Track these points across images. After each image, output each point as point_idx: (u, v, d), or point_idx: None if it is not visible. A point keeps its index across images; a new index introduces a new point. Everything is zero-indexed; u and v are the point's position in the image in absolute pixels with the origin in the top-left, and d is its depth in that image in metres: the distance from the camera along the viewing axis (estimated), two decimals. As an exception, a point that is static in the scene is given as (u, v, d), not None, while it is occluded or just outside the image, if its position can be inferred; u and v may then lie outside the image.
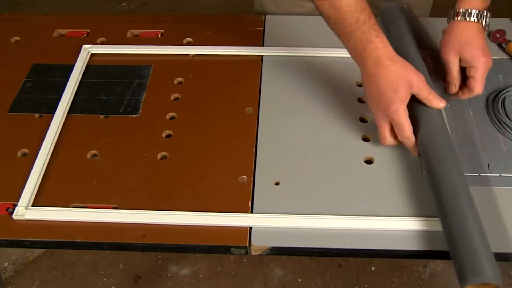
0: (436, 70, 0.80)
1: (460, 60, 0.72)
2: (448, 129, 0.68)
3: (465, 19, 0.71)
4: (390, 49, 0.64)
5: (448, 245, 0.57)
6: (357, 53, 0.65)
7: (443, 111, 0.73)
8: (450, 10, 0.74)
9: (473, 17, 0.71)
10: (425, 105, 0.66)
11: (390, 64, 0.63)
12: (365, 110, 0.76)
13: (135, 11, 2.21)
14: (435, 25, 0.88)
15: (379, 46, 0.64)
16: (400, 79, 0.63)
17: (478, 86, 0.70)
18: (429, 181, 0.63)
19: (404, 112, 0.64)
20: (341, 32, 0.66)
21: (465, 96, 0.73)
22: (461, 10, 0.72)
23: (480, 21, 0.71)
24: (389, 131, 0.66)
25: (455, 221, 0.56)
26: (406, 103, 0.64)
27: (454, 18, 0.72)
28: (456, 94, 0.74)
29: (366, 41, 0.64)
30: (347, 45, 0.67)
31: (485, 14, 0.71)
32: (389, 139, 0.67)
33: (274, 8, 0.95)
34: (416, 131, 0.65)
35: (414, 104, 0.66)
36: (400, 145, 0.69)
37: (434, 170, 0.62)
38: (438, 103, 0.65)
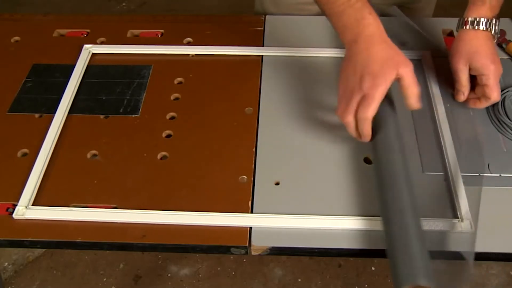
0: (436, 71, 0.80)
1: (470, 69, 0.72)
2: (412, 132, 0.67)
3: (473, 27, 0.71)
4: (382, 29, 0.63)
5: (386, 246, 0.56)
6: (349, 31, 0.64)
7: (441, 110, 0.74)
8: (459, 19, 0.73)
9: (482, 25, 0.71)
10: (389, 105, 0.65)
11: (383, 42, 0.62)
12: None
13: (135, 11, 2.21)
14: (435, 25, 0.88)
15: (373, 23, 0.63)
16: (390, 59, 0.61)
17: (493, 93, 0.70)
18: (376, 178, 0.63)
19: (382, 92, 0.60)
20: (332, 12, 0.65)
21: (482, 105, 0.72)
22: (469, 19, 0.71)
23: (489, 29, 0.71)
24: (355, 105, 0.62)
25: (394, 223, 0.56)
26: (388, 85, 0.61)
27: (463, 27, 0.72)
28: (475, 104, 0.73)
29: (360, 17, 0.63)
30: (337, 24, 0.65)
31: (494, 22, 0.71)
32: (349, 112, 0.62)
33: (274, 9, 0.95)
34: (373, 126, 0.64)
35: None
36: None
37: (380, 169, 0.62)
38: (415, 99, 0.63)
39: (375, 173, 0.64)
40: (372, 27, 0.62)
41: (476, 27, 0.71)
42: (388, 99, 0.65)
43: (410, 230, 0.55)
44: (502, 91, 0.76)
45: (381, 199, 0.60)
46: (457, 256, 0.58)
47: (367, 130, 0.62)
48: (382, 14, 0.95)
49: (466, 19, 0.72)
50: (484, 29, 0.71)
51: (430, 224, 0.61)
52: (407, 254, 0.53)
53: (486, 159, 0.68)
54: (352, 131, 0.64)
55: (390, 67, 0.61)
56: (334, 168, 0.68)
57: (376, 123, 0.64)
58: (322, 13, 0.67)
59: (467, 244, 0.59)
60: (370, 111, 0.60)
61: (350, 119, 0.62)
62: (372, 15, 0.63)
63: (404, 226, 0.55)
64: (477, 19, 0.71)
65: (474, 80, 0.73)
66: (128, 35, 0.89)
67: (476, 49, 0.71)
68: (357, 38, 0.63)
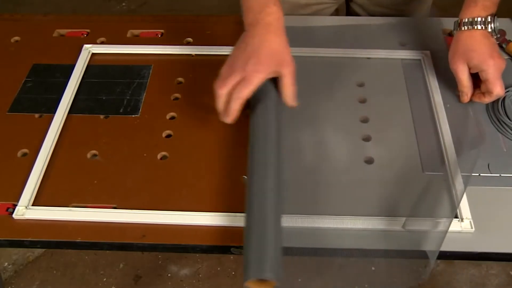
0: (436, 71, 0.80)
1: (470, 68, 0.72)
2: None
3: (468, 28, 0.71)
4: (282, 22, 0.66)
5: (243, 239, 0.57)
6: (251, 14, 0.66)
7: (441, 110, 0.74)
8: (455, 21, 0.74)
9: (477, 25, 0.71)
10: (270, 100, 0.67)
11: (277, 35, 0.65)
12: (365, 110, 0.76)
13: (135, 11, 2.21)
14: (435, 25, 0.88)
15: (274, 13, 0.66)
16: (277, 54, 0.65)
17: (494, 87, 0.70)
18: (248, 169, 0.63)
19: (260, 79, 0.63)
20: None
21: (486, 99, 0.72)
22: (463, 20, 0.72)
23: (485, 28, 0.71)
24: (233, 82, 0.63)
25: (253, 217, 0.57)
26: (268, 76, 0.64)
27: (458, 29, 0.73)
28: (480, 98, 0.73)
29: (264, 4, 0.66)
30: (244, 5, 0.68)
31: (489, 20, 0.71)
32: (225, 86, 0.64)
33: None
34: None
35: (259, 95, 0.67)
36: (400, 145, 0.69)
37: (251, 159, 0.63)
38: (291, 98, 0.66)
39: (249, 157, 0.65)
40: (272, 16, 0.65)
41: (471, 27, 0.71)
42: (273, 96, 0.67)
43: (266, 225, 0.56)
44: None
45: (247, 187, 0.61)
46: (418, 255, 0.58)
47: (234, 109, 0.63)
48: (370, 14, 0.96)
49: (461, 21, 0.72)
50: (480, 28, 0.71)
51: (430, 224, 0.61)
52: (258, 247, 0.54)
53: (486, 159, 0.68)
54: (220, 106, 0.65)
55: (274, 61, 0.64)
56: (334, 168, 0.68)
57: (255, 108, 0.66)
58: None
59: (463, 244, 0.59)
60: (245, 92, 0.63)
61: (223, 92, 0.64)
62: (277, 6, 0.66)
63: (261, 221, 0.56)
64: (471, 19, 0.71)
65: (478, 79, 0.73)
66: (128, 35, 0.89)
67: (472, 47, 0.71)
68: (256, 23, 0.66)
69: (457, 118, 0.74)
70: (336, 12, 1.02)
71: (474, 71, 0.72)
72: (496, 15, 0.71)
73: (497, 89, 0.70)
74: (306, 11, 0.96)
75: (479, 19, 0.71)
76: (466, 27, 0.72)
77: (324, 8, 0.98)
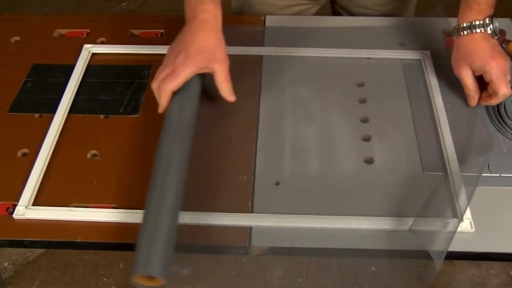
0: (436, 71, 0.80)
1: (474, 72, 0.72)
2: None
3: (468, 32, 0.71)
4: (218, 20, 0.68)
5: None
6: (190, 9, 0.68)
7: (441, 110, 0.74)
8: (453, 27, 0.74)
9: (476, 28, 0.71)
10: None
11: (212, 32, 0.67)
12: (365, 110, 0.76)
13: (135, 11, 2.21)
14: (434, 25, 0.88)
15: (210, 10, 0.67)
16: (210, 50, 0.67)
17: (499, 87, 0.70)
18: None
19: (188, 73, 0.65)
20: None
21: (493, 101, 0.72)
22: (461, 26, 0.72)
23: (483, 30, 0.71)
24: (164, 75, 0.66)
25: (148, 214, 0.57)
26: (197, 70, 0.66)
27: (457, 34, 0.73)
28: (487, 101, 0.73)
29: (200, 1, 0.67)
30: (184, 1, 0.69)
31: (487, 22, 0.70)
32: (156, 80, 0.66)
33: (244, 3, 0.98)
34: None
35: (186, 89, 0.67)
36: (400, 145, 0.69)
37: (156, 154, 0.63)
38: (228, 93, 0.69)
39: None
40: (208, 13, 0.67)
41: (470, 31, 0.71)
42: (194, 91, 0.69)
43: (159, 222, 0.55)
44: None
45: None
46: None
47: (163, 101, 0.66)
48: (352, 15, 0.97)
49: (459, 26, 0.72)
50: (479, 31, 0.71)
51: (430, 224, 0.61)
52: (148, 244, 0.54)
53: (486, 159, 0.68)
54: (156, 98, 0.67)
55: (206, 57, 0.66)
56: (334, 168, 0.68)
57: (174, 106, 0.67)
58: None
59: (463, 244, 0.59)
60: (171, 85, 0.65)
61: (154, 86, 0.67)
62: (213, 3, 0.67)
63: (154, 218, 0.56)
64: (469, 23, 0.71)
65: (484, 81, 0.72)
66: (128, 35, 0.89)
67: (473, 51, 0.71)
68: (192, 19, 0.68)
69: (457, 118, 0.74)
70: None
71: (478, 74, 0.72)
72: (494, 15, 0.71)
73: (503, 89, 0.70)
74: (288, 12, 0.96)
75: (477, 22, 0.71)
76: (465, 31, 0.71)
77: (305, 9, 0.98)
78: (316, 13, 0.98)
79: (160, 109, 0.67)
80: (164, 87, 0.65)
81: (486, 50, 0.70)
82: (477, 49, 0.71)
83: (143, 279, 0.53)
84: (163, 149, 0.62)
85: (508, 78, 0.70)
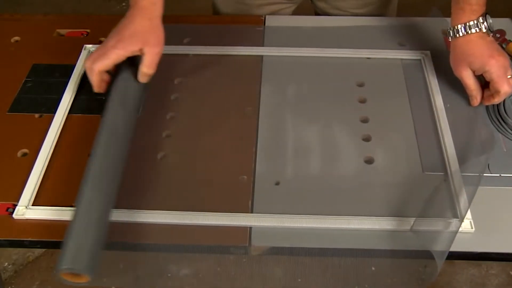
0: (436, 71, 0.80)
1: (474, 72, 0.72)
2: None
3: (463, 33, 0.71)
4: (157, 8, 0.71)
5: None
6: None
7: (441, 110, 0.74)
8: (447, 29, 0.74)
9: (471, 29, 0.71)
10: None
11: (147, 19, 0.69)
12: (365, 110, 0.76)
13: (135, 11, 2.20)
14: (434, 25, 0.88)
15: None
16: (142, 33, 0.68)
17: (500, 85, 0.69)
18: None
19: (117, 55, 0.67)
20: None
21: (496, 100, 0.72)
22: (456, 28, 0.72)
23: (478, 29, 0.71)
24: (95, 55, 0.69)
25: (79, 209, 0.57)
26: (127, 54, 0.68)
27: (453, 36, 0.73)
28: (489, 100, 0.73)
29: None
30: None
31: (481, 20, 0.70)
32: (87, 59, 0.70)
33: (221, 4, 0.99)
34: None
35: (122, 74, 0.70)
36: (400, 145, 0.69)
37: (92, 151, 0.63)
38: (144, 77, 0.70)
39: None
40: (147, 1, 0.69)
41: (465, 32, 0.71)
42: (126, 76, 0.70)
43: (89, 219, 0.56)
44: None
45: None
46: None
47: (93, 80, 0.70)
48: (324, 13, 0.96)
49: (453, 28, 0.72)
50: (474, 31, 0.71)
51: (430, 224, 0.61)
52: (74, 241, 0.54)
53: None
54: (89, 78, 0.70)
55: (137, 40, 0.68)
56: (334, 168, 0.68)
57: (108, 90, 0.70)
58: None
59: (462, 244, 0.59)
60: (98, 64, 0.68)
61: (86, 65, 0.70)
62: None
63: (82, 214, 0.56)
64: (463, 24, 0.71)
65: (486, 81, 0.72)
66: (128, 35, 0.89)
67: (470, 52, 0.71)
68: (133, 5, 0.70)
69: (457, 118, 0.74)
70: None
71: (478, 74, 0.72)
72: (487, 13, 0.71)
73: (504, 87, 0.69)
74: (263, 11, 0.96)
75: (471, 22, 0.71)
76: (460, 33, 0.71)
77: (281, 9, 0.98)
78: (277, 14, 0.97)
79: (94, 88, 0.71)
80: (93, 66, 0.68)
81: (484, 49, 0.70)
82: (475, 49, 0.71)
83: (69, 275, 0.54)
84: (98, 147, 0.63)
85: (509, 75, 0.70)
